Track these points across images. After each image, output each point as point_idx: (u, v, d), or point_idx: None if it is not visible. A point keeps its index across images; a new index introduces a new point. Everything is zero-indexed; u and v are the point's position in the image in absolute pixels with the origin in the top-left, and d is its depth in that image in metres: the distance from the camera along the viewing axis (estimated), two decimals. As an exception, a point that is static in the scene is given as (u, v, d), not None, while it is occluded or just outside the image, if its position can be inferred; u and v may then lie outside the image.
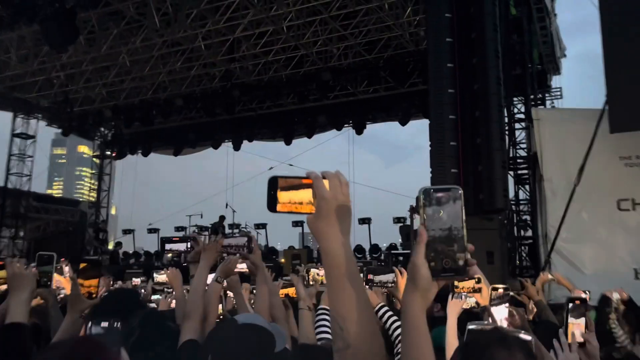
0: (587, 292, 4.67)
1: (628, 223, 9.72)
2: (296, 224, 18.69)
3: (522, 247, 13.23)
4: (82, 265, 2.63)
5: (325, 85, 18.40)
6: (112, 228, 30.83)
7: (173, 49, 17.91)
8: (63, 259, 4.71)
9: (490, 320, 2.79)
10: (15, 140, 21.63)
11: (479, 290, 2.94)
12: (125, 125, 22.22)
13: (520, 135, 14.14)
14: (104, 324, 1.66)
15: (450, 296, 2.86)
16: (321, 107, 19.87)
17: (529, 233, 12.99)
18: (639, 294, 4.22)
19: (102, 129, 24.51)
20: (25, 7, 13.28)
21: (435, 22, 10.10)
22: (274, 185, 1.27)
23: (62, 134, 24.03)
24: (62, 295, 4.01)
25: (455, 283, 2.81)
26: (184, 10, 15.41)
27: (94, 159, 25.03)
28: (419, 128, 19.02)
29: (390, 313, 3.12)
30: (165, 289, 5.58)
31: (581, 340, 2.39)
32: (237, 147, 22.15)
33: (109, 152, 24.88)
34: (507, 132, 12.07)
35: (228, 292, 4.06)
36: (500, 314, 2.86)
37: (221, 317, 3.71)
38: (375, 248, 17.29)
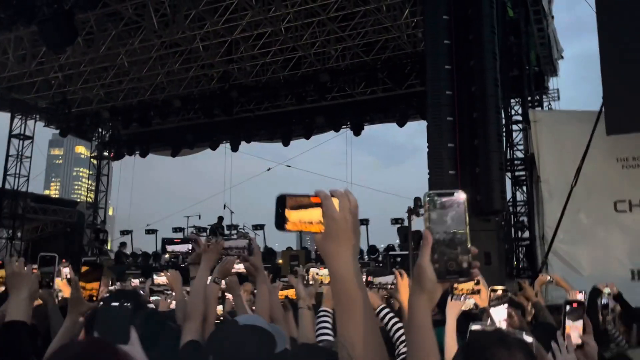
0: (583, 291, 4.69)
1: (625, 224, 9.76)
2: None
3: (520, 249, 13.28)
4: (83, 268, 2.65)
5: (323, 87, 18.41)
6: (110, 229, 30.74)
7: (171, 50, 17.90)
8: (64, 260, 4.70)
9: (489, 321, 2.80)
10: (12, 141, 21.57)
11: (478, 292, 2.96)
12: (123, 126, 22.20)
13: (517, 136, 14.19)
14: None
15: (449, 297, 2.87)
16: (319, 108, 19.82)
17: (526, 234, 13.03)
18: (636, 295, 4.24)
19: (100, 130, 24.44)
20: (24, 8, 13.25)
21: (432, 24, 10.12)
22: (282, 203, 1.25)
23: (60, 135, 23.98)
24: (59, 298, 4.01)
25: (454, 285, 2.82)
26: (182, 12, 15.40)
27: (92, 160, 24.93)
28: (417, 129, 19.09)
29: (391, 314, 3.11)
30: (165, 291, 5.56)
31: (579, 342, 2.40)
32: (235, 148, 22.10)
33: (106, 153, 24.77)
34: (504, 134, 12.09)
35: (227, 294, 4.05)
36: (499, 315, 2.87)
37: (221, 318, 3.72)
38: (373, 249, 17.32)
